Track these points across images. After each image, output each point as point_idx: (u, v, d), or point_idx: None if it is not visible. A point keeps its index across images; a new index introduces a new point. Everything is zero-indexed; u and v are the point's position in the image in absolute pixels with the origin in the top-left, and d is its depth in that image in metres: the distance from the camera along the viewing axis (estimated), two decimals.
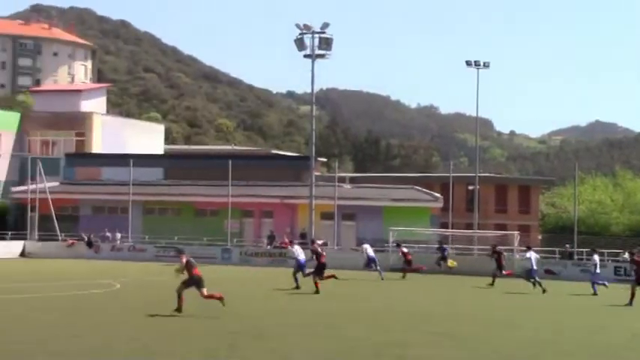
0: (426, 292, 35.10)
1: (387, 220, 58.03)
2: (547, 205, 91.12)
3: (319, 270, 32.22)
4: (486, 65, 65.55)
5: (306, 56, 57.13)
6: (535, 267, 36.98)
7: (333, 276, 33.24)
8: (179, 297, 23.02)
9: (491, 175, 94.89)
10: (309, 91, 60.56)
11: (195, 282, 23.00)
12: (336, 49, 73.63)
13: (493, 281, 38.98)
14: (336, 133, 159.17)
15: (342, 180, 68.24)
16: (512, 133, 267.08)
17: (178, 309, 22.92)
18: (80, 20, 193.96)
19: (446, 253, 48.36)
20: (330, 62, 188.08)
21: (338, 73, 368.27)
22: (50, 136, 74.61)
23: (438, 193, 64.19)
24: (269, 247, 57.06)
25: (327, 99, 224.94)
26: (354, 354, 17.21)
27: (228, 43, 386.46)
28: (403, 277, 42.43)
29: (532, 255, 37.29)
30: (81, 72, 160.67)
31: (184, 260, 23.01)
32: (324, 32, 56.53)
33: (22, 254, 58.98)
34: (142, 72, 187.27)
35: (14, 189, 68.50)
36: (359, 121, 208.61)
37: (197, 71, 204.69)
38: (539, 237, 74.29)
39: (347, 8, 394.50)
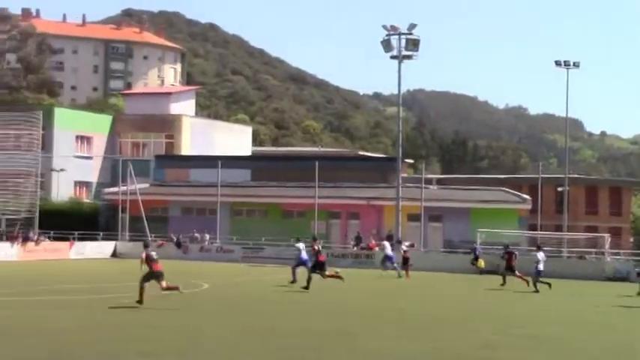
0: (512, 294, 34.64)
1: (475, 222, 57.49)
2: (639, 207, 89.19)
3: (315, 268, 33.43)
4: (576, 65, 64.42)
5: (392, 57, 56.93)
6: (542, 268, 36.75)
7: (337, 276, 34.35)
8: (141, 289, 24.64)
9: (582, 176, 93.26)
10: (395, 92, 60.41)
11: (154, 276, 24.63)
12: (423, 50, 73.18)
13: (505, 281, 38.45)
14: (423, 135, 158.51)
15: (429, 181, 67.88)
16: (603, 133, 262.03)
17: (140, 301, 24.42)
18: (169, 24, 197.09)
19: (477, 253, 49.54)
20: (417, 63, 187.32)
21: (425, 74, 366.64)
22: (140, 138, 75.93)
23: (526, 194, 63.31)
24: (355, 248, 57.09)
25: (414, 100, 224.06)
26: (439, 356, 17.08)
27: (315, 45, 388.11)
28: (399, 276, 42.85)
29: (540, 255, 37.27)
30: (170, 75, 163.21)
31: (144, 255, 24.67)
32: (410, 33, 56.26)
33: (114, 254, 60.12)
34: (229, 74, 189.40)
35: (106, 190, 69.86)
36: (446, 123, 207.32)
37: (284, 73, 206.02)
38: (631, 239, 72.75)
39: (434, 9, 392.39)
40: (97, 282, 34.92)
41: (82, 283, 34.44)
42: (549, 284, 36.32)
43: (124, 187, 63.92)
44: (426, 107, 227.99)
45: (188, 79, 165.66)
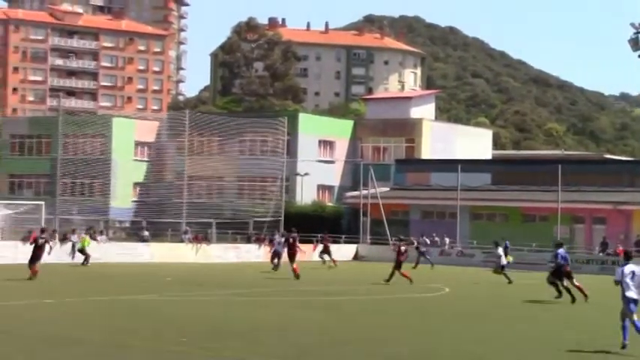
0: None
1: None
2: None
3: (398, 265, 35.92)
4: None
5: None
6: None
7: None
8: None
9: None
10: None
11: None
12: None
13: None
14: None
15: None
16: None
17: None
18: (409, 28, 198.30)
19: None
20: None
21: None
22: (381, 142, 76.76)
23: None
24: (601, 254, 55.13)
25: None
26: None
27: (558, 46, 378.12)
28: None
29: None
30: (410, 79, 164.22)
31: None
32: None
33: (355, 257, 61.12)
34: (469, 77, 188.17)
35: (348, 194, 71.17)
36: None
37: (526, 75, 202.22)
38: None
39: None
40: (341, 285, 35.61)
41: (331, 284, 35.22)
42: None
43: (365, 191, 64.81)
44: None
45: (428, 82, 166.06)
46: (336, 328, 20.33)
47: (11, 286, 30.69)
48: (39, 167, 73.22)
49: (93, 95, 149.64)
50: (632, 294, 17.40)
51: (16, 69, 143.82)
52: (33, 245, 34.88)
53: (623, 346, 17.33)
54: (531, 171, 67.21)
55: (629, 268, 17.64)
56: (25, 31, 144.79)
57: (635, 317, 17.35)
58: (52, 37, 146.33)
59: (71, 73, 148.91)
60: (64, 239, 47.39)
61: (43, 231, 37.46)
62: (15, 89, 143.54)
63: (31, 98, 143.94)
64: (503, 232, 60.88)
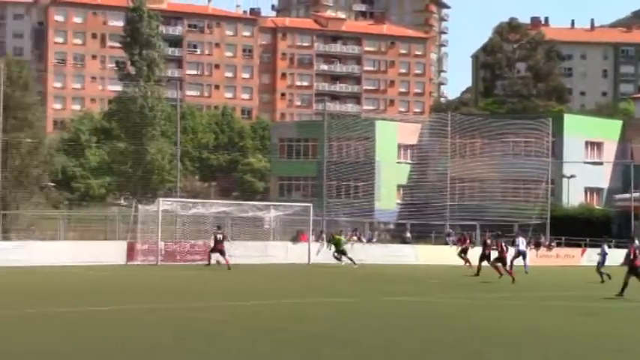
0: None
1: None
2: None
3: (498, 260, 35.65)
4: None
5: None
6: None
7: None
8: None
9: None
10: None
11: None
12: None
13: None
14: None
15: None
16: None
17: None
18: None
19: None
20: None
21: None
22: None
23: None
24: None
25: None
26: None
27: None
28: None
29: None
30: None
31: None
32: None
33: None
34: None
35: (617, 197, 68.38)
36: None
37: None
38: None
39: None
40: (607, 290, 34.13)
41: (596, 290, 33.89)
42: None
43: (636, 194, 62.05)
44: None
45: None
46: (606, 336, 19.40)
47: (282, 285, 31.66)
48: (306, 170, 75.51)
49: (356, 99, 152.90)
50: None
51: (283, 75, 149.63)
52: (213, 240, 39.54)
53: None
54: None
55: None
56: (292, 38, 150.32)
57: None
58: (317, 43, 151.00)
59: (335, 78, 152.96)
60: (330, 240, 48.63)
61: (219, 227, 41.45)
62: (283, 94, 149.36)
63: (298, 103, 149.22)
64: None
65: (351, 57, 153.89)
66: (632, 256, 31.85)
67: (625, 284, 29.64)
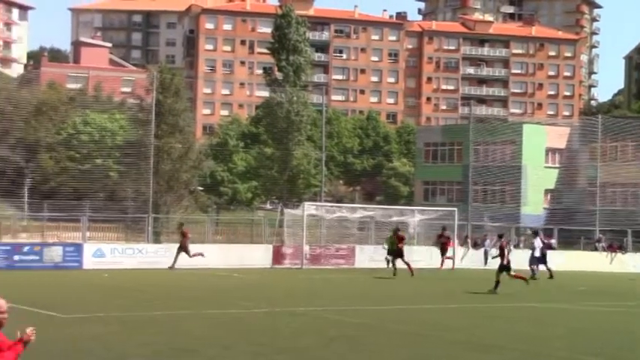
0: None
1: None
2: None
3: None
4: None
5: None
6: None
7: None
8: None
9: None
10: None
11: None
12: None
13: None
14: None
15: None
16: None
17: None
18: None
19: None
20: None
21: None
22: None
23: None
24: None
25: None
26: None
27: None
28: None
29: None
30: None
31: None
32: None
33: None
34: None
35: None
36: None
37: None
38: None
39: None
40: None
41: None
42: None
43: None
44: None
45: None
46: None
47: (422, 290, 31.46)
48: (451, 174, 74.90)
49: (503, 102, 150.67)
50: None
51: (429, 79, 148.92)
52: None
53: None
54: None
55: None
56: (438, 41, 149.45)
57: None
58: (463, 46, 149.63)
59: (482, 81, 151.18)
60: (475, 245, 48.05)
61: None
62: (429, 98, 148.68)
63: (443, 107, 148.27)
64: None
65: (498, 60, 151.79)
66: (501, 252, 30.69)
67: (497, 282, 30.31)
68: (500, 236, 35.08)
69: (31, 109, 69.98)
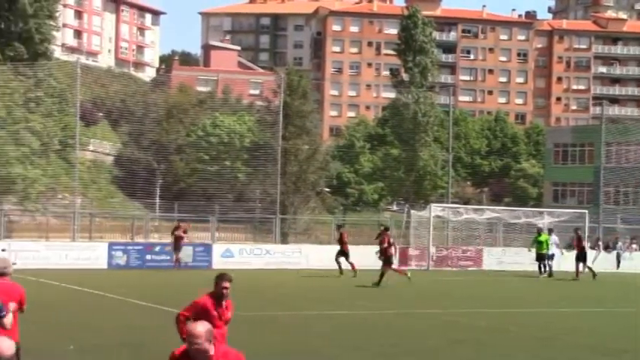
0: None
1: None
2: None
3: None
4: None
5: None
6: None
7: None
8: None
9: None
10: None
11: None
12: None
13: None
14: None
15: None
16: None
17: None
18: None
19: None
20: None
21: None
22: None
23: None
24: None
25: None
26: None
27: None
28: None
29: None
30: None
31: None
32: None
33: None
34: None
35: None
36: None
37: None
38: None
39: None
40: None
41: None
42: None
43: None
44: None
45: None
46: None
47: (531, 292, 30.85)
48: (582, 175, 73.25)
49: (638, 102, 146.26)
50: None
51: (559, 79, 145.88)
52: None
53: None
54: None
55: None
56: (569, 40, 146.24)
57: None
58: (595, 45, 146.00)
59: (615, 81, 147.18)
60: (607, 248, 46.84)
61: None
62: (559, 99, 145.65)
63: (574, 107, 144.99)
64: None
65: (632, 59, 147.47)
66: (385, 245, 29.99)
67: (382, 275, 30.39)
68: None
69: (163, 111, 71.85)
